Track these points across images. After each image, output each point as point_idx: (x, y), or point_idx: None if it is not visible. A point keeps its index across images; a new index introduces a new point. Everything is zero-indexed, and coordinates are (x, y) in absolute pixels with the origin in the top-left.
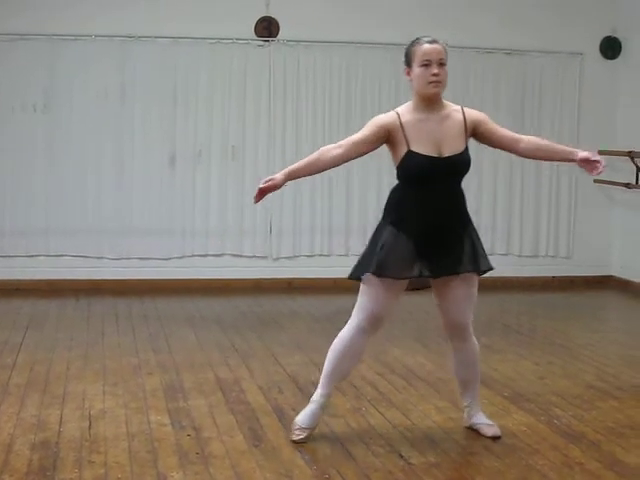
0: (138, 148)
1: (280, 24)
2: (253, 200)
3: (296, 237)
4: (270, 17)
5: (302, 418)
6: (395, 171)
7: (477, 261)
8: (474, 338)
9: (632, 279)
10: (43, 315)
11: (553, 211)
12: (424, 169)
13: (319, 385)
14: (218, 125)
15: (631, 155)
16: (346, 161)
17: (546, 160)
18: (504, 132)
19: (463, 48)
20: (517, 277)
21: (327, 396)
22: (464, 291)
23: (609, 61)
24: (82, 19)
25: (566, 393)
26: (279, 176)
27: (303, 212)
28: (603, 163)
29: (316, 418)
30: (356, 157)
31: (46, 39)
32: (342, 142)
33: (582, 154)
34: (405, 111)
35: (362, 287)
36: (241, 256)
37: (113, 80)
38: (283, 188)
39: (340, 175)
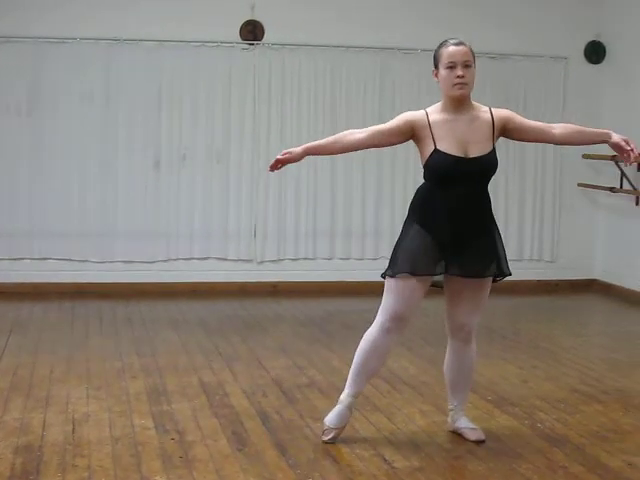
0: (123, 151)
1: (265, 27)
2: (268, 169)
3: (281, 240)
4: (255, 21)
5: (330, 418)
6: (422, 170)
7: (500, 265)
8: (474, 344)
9: (615, 283)
10: (27, 318)
11: (537, 215)
12: (449, 168)
13: (346, 385)
14: (203, 128)
15: (615, 159)
16: (367, 147)
17: (581, 144)
18: (534, 123)
19: None
20: (502, 280)
21: (354, 396)
22: (476, 293)
23: (593, 65)
24: (67, 22)
25: (550, 397)
26: (298, 149)
27: (288, 215)
28: (637, 152)
29: (343, 418)
30: (377, 146)
31: (31, 42)
32: (367, 128)
33: (615, 138)
34: (434, 111)
35: (386, 286)
36: (226, 259)
37: (98, 83)
38: (267, 190)
39: (325, 178)
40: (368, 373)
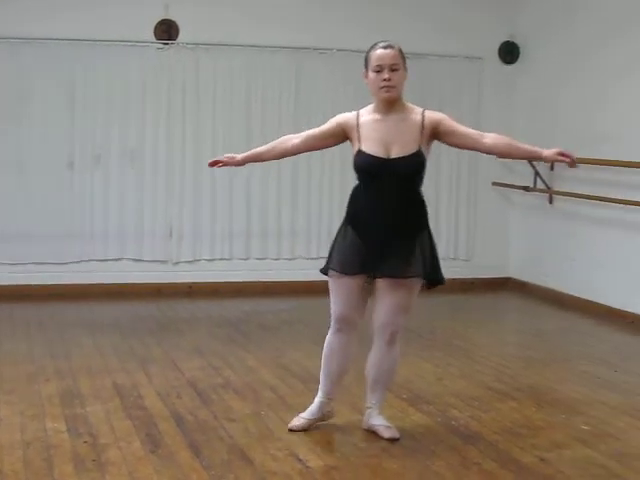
0: (36, 151)
1: (180, 27)
2: (208, 163)
3: (196, 241)
4: (170, 20)
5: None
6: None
7: (420, 269)
8: (398, 346)
9: (529, 281)
10: None
11: (453, 214)
12: (370, 168)
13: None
14: (117, 128)
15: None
16: (303, 151)
17: (510, 157)
18: (466, 130)
19: (362, 52)
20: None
21: (324, 397)
22: (397, 294)
23: (508, 66)
24: None
25: (464, 394)
26: (239, 156)
27: (203, 216)
28: (573, 156)
29: (313, 413)
30: (313, 149)
31: None
32: (302, 133)
33: (547, 153)
34: (366, 111)
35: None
36: (141, 260)
37: (10, 83)
38: (183, 190)
39: (240, 179)
40: (331, 375)
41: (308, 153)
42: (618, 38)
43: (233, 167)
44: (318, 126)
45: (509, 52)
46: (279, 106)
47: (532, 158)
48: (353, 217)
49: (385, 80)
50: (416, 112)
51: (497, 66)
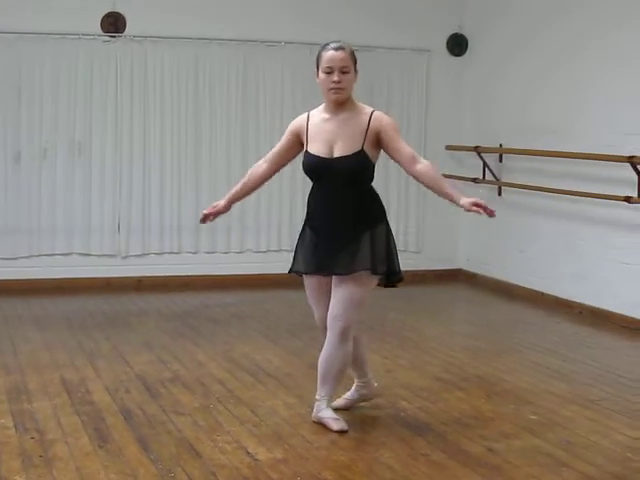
0: None
1: (127, 20)
2: (200, 220)
3: (145, 235)
4: (117, 12)
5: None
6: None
7: (368, 263)
8: (349, 344)
9: (479, 272)
10: None
11: (402, 206)
12: (312, 168)
13: None
14: (64, 122)
15: (478, 150)
16: (275, 172)
17: (432, 190)
18: (403, 147)
19: (310, 45)
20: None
21: (358, 380)
22: (347, 290)
23: (456, 58)
24: None
25: (413, 385)
26: (222, 202)
27: (152, 209)
28: (488, 208)
29: (352, 394)
30: (283, 165)
31: None
32: (267, 156)
33: (465, 202)
34: (317, 111)
35: None
36: (89, 255)
37: None
38: (131, 184)
39: (189, 172)
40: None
41: (256, 146)
42: (563, 29)
43: (183, 167)
44: (265, 118)
45: (457, 44)
46: (227, 99)
47: (450, 201)
48: (308, 217)
49: (334, 82)
50: (365, 112)
51: (445, 58)
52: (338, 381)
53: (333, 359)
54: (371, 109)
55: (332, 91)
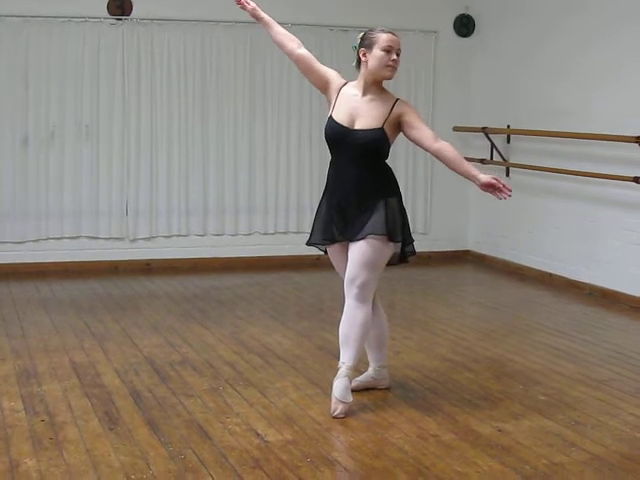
0: None
1: (133, 2)
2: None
3: (153, 218)
4: None
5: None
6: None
7: (383, 229)
8: (368, 307)
9: (487, 253)
10: None
11: (410, 187)
12: (333, 134)
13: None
14: (71, 105)
15: (485, 131)
16: (294, 60)
17: (450, 169)
18: (424, 126)
19: (316, 26)
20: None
21: (372, 364)
22: (361, 251)
23: (463, 39)
24: None
25: (422, 367)
26: (259, 11)
27: (160, 192)
28: (509, 187)
29: (360, 378)
30: (301, 68)
31: None
32: (307, 51)
33: (484, 179)
34: (350, 84)
35: None
36: (97, 238)
37: None
38: (138, 167)
39: (197, 154)
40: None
41: (263, 125)
42: (574, 13)
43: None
44: (272, 100)
45: (464, 25)
46: (234, 81)
47: (468, 178)
48: (326, 188)
49: (393, 60)
50: (390, 98)
51: (452, 39)
52: (359, 347)
53: (352, 321)
54: (397, 97)
55: (389, 68)
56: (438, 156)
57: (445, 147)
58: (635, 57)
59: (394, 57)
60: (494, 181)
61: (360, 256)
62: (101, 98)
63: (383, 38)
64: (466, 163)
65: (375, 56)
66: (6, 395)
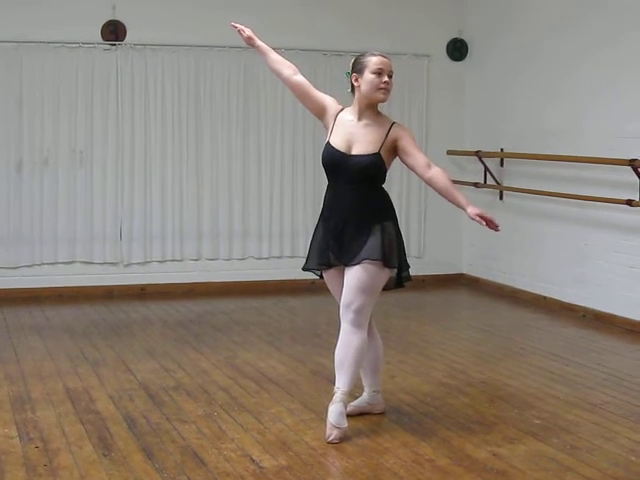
0: None
1: (127, 28)
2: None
3: (147, 242)
4: (116, 21)
5: None
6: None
7: (378, 255)
8: (363, 333)
9: (481, 277)
10: None
11: (404, 211)
12: (330, 160)
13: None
14: (65, 130)
15: (479, 155)
16: (290, 87)
17: (442, 196)
18: (418, 153)
19: (310, 51)
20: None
21: (366, 389)
22: (356, 276)
23: (456, 63)
24: None
25: (417, 391)
26: (255, 39)
27: (154, 217)
28: (495, 223)
29: (354, 403)
30: (298, 96)
31: None
32: (303, 78)
33: (471, 212)
34: (346, 110)
35: None
36: (92, 263)
37: None
38: (132, 191)
39: (190, 179)
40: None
41: (257, 150)
42: (564, 34)
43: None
44: (266, 125)
45: (457, 49)
46: (228, 106)
47: (458, 206)
48: (322, 212)
49: (385, 83)
50: (386, 122)
51: (445, 63)
52: (354, 373)
53: (348, 346)
54: (392, 121)
55: (381, 90)
56: (430, 184)
57: (437, 176)
58: (628, 73)
59: (385, 79)
60: (478, 218)
61: (356, 281)
62: (95, 123)
63: (373, 61)
64: (457, 192)
65: (367, 80)
66: (0, 421)
